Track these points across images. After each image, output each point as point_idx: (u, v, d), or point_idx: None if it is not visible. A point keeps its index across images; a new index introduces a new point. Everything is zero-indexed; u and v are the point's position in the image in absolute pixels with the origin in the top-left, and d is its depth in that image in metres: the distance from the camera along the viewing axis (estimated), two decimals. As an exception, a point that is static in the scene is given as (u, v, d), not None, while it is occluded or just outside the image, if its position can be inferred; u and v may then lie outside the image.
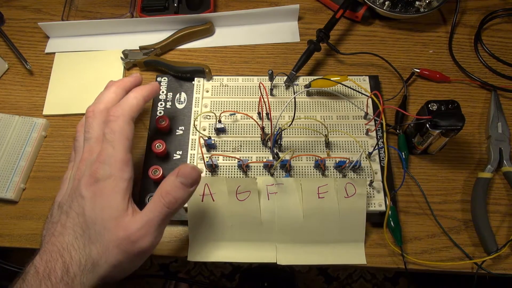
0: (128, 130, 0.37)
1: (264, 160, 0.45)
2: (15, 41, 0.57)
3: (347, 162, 0.43)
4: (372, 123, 0.48)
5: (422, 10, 0.56)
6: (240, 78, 0.52)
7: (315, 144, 0.47)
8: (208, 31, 0.57)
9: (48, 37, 0.58)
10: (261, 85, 0.48)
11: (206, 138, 0.46)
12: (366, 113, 0.48)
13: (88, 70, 0.55)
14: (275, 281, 0.86)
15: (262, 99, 0.46)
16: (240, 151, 0.47)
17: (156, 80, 0.52)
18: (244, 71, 0.55)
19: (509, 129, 0.49)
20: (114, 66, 0.55)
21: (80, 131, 0.40)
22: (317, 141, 0.47)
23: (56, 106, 0.52)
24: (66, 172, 0.39)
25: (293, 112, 0.42)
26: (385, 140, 0.42)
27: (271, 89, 0.51)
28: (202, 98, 0.50)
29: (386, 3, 0.56)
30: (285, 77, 0.51)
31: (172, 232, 0.45)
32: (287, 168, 0.45)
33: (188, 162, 0.46)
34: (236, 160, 0.46)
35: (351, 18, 0.58)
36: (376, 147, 0.46)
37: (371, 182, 0.44)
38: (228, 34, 0.58)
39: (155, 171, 0.45)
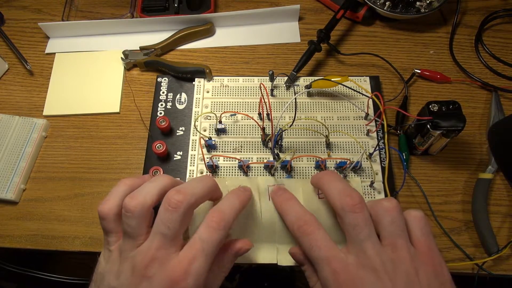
0: None
1: (265, 160, 0.45)
2: (15, 41, 0.57)
3: (347, 162, 0.43)
4: (373, 123, 0.48)
5: (422, 10, 0.56)
6: (241, 78, 0.52)
7: (316, 145, 0.47)
8: (208, 32, 0.57)
9: (48, 38, 0.57)
10: (261, 85, 0.48)
11: (207, 139, 0.46)
12: (367, 114, 0.48)
13: (88, 70, 0.55)
14: (275, 281, 0.86)
15: (262, 100, 0.45)
16: (241, 152, 0.47)
17: (157, 81, 0.52)
18: (245, 71, 0.54)
19: (510, 130, 0.49)
20: (114, 66, 0.55)
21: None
22: (318, 142, 0.47)
23: (56, 106, 0.52)
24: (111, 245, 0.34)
25: (294, 112, 0.42)
26: (386, 141, 0.42)
27: (272, 90, 0.51)
28: (203, 99, 0.50)
29: (387, 3, 0.56)
30: (286, 78, 0.51)
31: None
32: (287, 169, 0.45)
33: (188, 162, 0.46)
34: (237, 160, 0.45)
35: (352, 18, 0.58)
36: (377, 148, 0.46)
37: (372, 183, 0.44)
38: (229, 35, 0.57)
39: (156, 172, 0.45)
